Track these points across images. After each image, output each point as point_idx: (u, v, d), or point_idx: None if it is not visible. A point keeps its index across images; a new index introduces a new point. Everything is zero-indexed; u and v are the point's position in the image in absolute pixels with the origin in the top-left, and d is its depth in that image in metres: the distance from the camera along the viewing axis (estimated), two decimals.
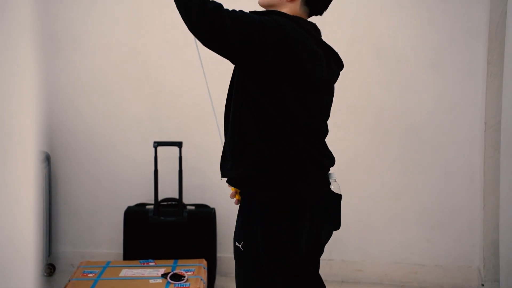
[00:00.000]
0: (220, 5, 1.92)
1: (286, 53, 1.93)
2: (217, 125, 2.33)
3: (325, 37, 2.13)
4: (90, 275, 3.15)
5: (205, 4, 1.89)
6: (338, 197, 2.11)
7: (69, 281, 3.08)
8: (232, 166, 2.03)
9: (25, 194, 0.78)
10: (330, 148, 2.18)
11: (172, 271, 3.14)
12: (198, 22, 1.89)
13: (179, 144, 3.51)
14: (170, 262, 3.29)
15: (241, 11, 1.94)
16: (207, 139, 3.69)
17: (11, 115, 0.71)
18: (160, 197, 3.62)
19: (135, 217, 3.52)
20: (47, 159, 3.64)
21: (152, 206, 3.57)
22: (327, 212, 2.10)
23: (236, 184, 2.07)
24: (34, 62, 0.79)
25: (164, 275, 3.12)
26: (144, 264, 3.30)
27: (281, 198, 2.01)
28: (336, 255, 3.75)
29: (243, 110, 1.98)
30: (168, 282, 3.01)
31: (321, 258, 3.67)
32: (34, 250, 0.76)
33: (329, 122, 2.18)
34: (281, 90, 1.97)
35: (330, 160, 2.12)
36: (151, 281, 3.09)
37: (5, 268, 0.72)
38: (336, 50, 2.16)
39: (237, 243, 2.06)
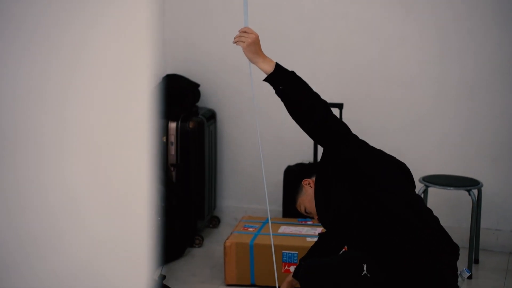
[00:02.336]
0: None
1: None
2: None
3: None
4: (251, 229, 3.27)
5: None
6: None
7: (231, 233, 3.24)
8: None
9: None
10: None
11: None
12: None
13: (339, 106, 3.50)
14: None
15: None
16: (368, 99, 3.64)
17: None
18: (319, 157, 3.64)
19: (294, 176, 3.59)
20: (213, 117, 3.81)
21: None
22: None
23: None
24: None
25: (320, 234, 3.16)
26: (302, 222, 3.37)
27: None
28: (504, 225, 3.57)
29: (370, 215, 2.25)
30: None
31: (487, 227, 3.55)
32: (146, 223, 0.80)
33: None
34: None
35: None
36: (308, 239, 3.15)
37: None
38: None
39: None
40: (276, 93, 2.25)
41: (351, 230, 2.29)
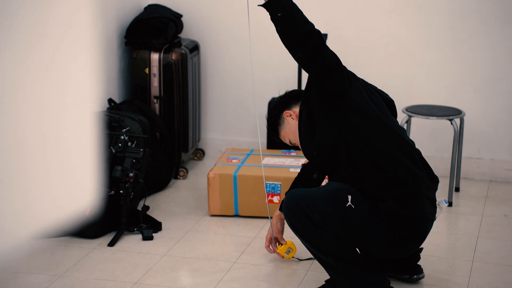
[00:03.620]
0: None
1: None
2: None
3: None
4: (235, 161, 3.29)
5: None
6: None
7: (215, 165, 3.25)
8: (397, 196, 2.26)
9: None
10: None
11: None
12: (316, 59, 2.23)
13: (324, 36, 3.46)
14: None
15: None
16: (352, 29, 3.60)
17: None
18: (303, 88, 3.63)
19: (272, 108, 3.58)
20: (197, 48, 3.76)
21: None
22: None
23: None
24: None
25: (303, 165, 3.18)
26: (285, 153, 3.38)
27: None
28: (485, 154, 3.61)
29: (357, 144, 2.27)
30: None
31: (469, 156, 3.59)
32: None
33: None
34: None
35: None
36: (291, 169, 3.17)
37: None
38: None
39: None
40: (272, 19, 2.20)
41: (335, 162, 2.30)
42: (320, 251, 2.30)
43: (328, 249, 2.28)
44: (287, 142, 2.50)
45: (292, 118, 2.43)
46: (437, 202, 2.34)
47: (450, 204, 3.26)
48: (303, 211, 2.25)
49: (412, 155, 2.29)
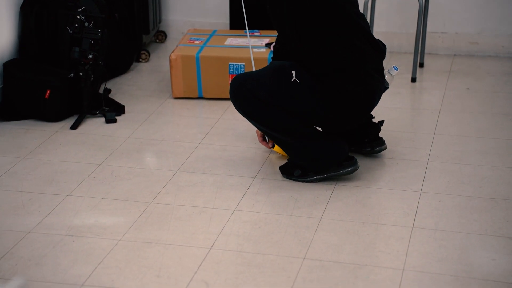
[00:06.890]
0: None
1: None
2: None
3: None
4: (197, 42, 3.22)
5: None
6: None
7: (177, 46, 3.18)
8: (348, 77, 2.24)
9: None
10: None
11: None
12: None
13: None
14: (275, 32, 3.28)
15: None
16: None
17: None
18: None
19: None
20: None
21: None
22: None
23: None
24: None
25: (268, 45, 3.14)
26: (249, 34, 3.32)
27: None
28: (450, 27, 3.59)
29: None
30: (272, 52, 3.03)
31: (433, 31, 3.56)
32: None
33: None
34: None
35: None
36: (255, 50, 3.12)
37: None
38: None
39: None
40: None
41: (282, 31, 2.30)
42: (272, 129, 2.31)
43: (279, 125, 2.29)
44: None
45: None
46: (387, 70, 2.34)
47: (413, 80, 3.27)
48: (249, 91, 2.26)
49: (355, 31, 2.26)
